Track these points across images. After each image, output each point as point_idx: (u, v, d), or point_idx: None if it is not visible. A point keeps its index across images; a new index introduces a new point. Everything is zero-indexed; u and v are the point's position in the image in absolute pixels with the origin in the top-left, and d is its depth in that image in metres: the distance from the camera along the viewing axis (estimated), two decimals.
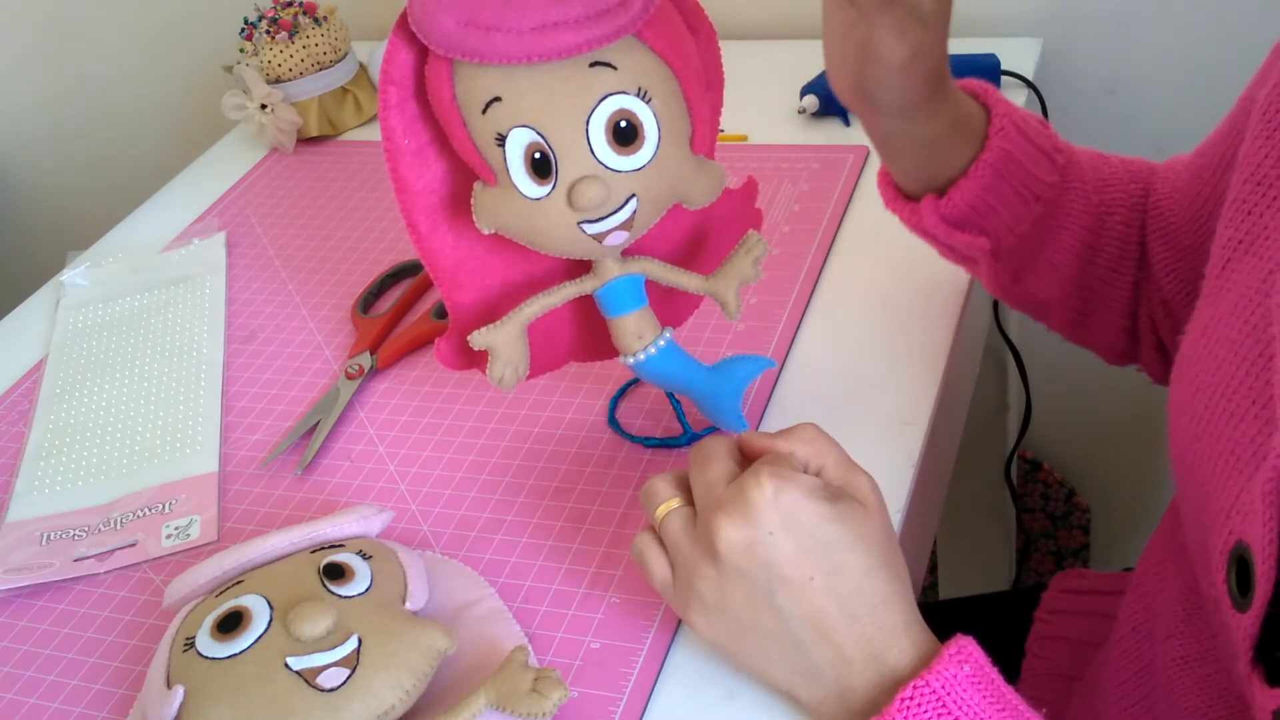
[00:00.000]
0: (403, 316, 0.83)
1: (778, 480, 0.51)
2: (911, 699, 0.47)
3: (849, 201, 0.86)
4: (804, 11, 1.10)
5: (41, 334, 0.90)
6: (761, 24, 1.11)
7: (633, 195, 0.55)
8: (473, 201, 0.56)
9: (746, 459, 0.55)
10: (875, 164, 0.89)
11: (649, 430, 0.70)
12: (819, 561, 0.50)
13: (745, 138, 0.95)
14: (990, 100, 0.62)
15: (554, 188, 0.54)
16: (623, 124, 0.54)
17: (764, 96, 0.99)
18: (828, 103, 0.95)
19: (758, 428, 0.68)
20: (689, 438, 0.68)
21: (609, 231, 0.55)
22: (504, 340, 0.59)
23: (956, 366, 0.74)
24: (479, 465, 0.70)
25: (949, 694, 0.47)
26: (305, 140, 1.08)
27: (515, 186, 0.54)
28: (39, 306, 0.93)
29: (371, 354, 0.79)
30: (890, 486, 0.63)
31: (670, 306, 0.66)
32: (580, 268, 0.61)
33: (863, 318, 0.75)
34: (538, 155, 0.53)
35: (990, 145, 0.61)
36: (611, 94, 0.53)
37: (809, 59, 1.00)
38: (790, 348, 0.74)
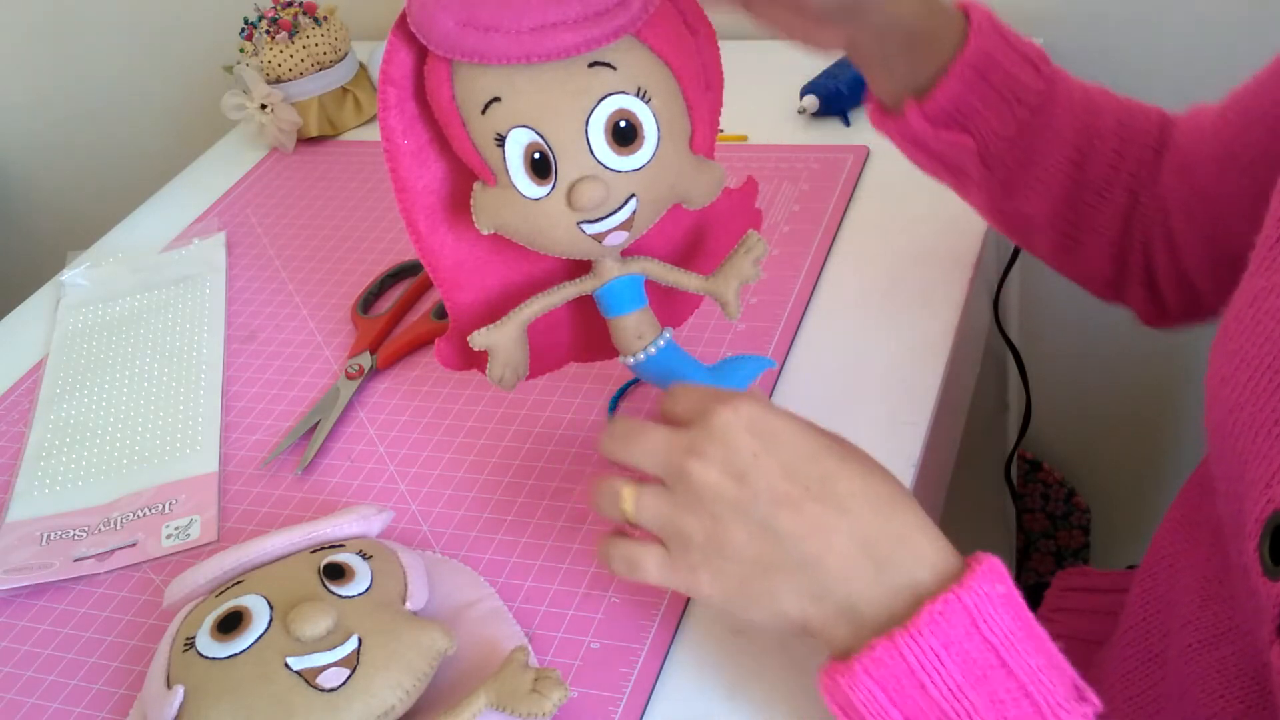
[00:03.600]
0: (403, 316, 0.83)
1: (731, 406, 0.49)
2: (943, 614, 0.44)
3: (849, 201, 0.86)
4: None
5: (41, 334, 0.90)
6: None
7: (632, 195, 0.55)
8: (472, 202, 0.56)
9: (673, 420, 0.53)
10: (875, 164, 0.89)
11: None
12: (809, 469, 0.48)
13: (745, 138, 0.95)
14: (969, 5, 0.64)
15: (553, 188, 0.54)
16: (622, 124, 0.53)
17: (764, 96, 0.99)
18: (828, 103, 0.95)
19: None
20: None
21: (609, 231, 0.55)
22: (504, 341, 0.59)
23: (956, 366, 0.74)
24: (479, 465, 0.70)
25: (979, 611, 0.44)
26: (305, 140, 1.08)
27: (515, 187, 0.54)
28: (39, 306, 0.93)
29: (371, 354, 0.79)
30: None
31: (671, 307, 0.66)
32: (580, 268, 0.61)
33: (863, 318, 0.75)
34: (537, 155, 0.53)
35: (969, 44, 0.62)
36: (611, 94, 0.53)
37: (809, 59, 1.00)
38: (790, 348, 0.74)
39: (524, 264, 0.61)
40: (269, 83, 1.04)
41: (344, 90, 1.07)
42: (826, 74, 0.97)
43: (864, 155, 0.90)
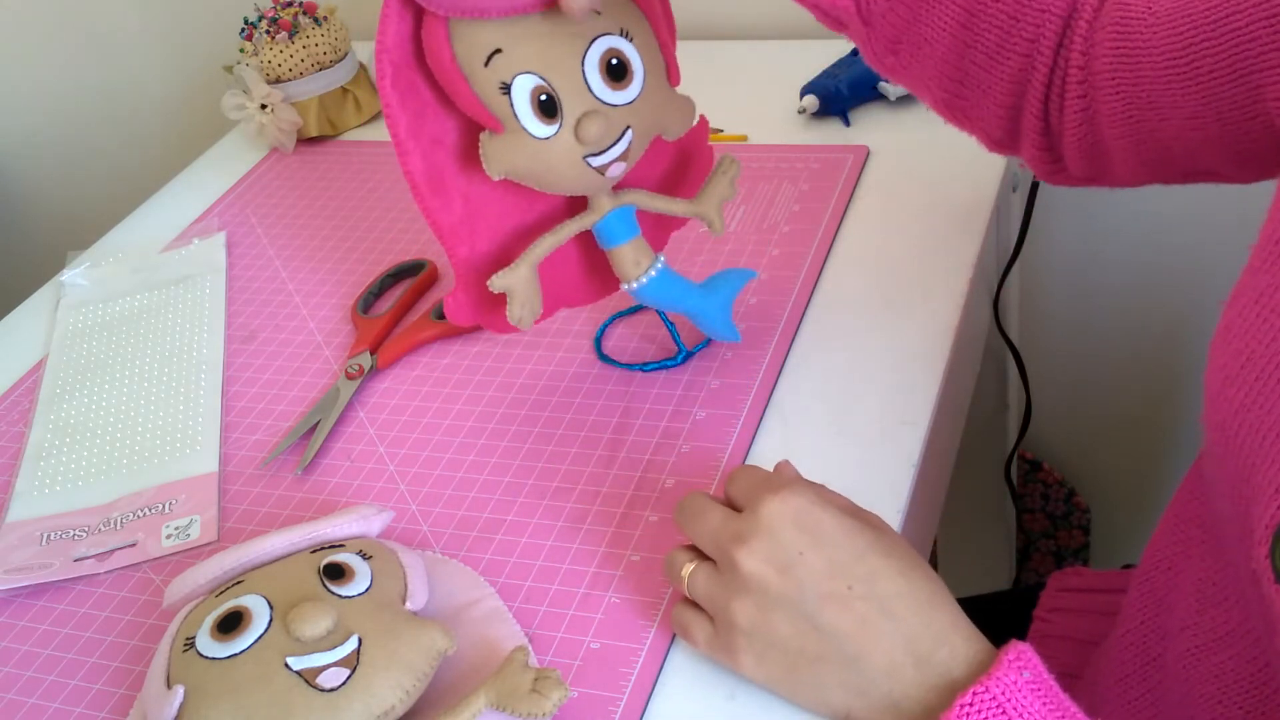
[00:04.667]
0: (403, 316, 0.83)
1: (780, 497, 0.51)
2: (971, 705, 0.46)
3: (849, 201, 0.86)
4: (804, 11, 1.10)
5: (41, 334, 0.90)
6: (761, 24, 1.11)
7: (628, 127, 0.60)
8: (481, 151, 0.59)
9: (731, 501, 0.56)
10: (875, 164, 0.89)
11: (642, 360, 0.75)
12: (853, 569, 0.50)
13: (745, 138, 0.95)
14: None
15: (560, 126, 0.58)
16: (614, 61, 0.59)
17: (764, 96, 0.99)
18: (828, 103, 0.95)
19: (758, 427, 0.68)
20: (684, 355, 0.73)
21: (610, 163, 0.60)
22: (519, 281, 0.63)
23: (956, 366, 0.74)
24: (479, 465, 0.70)
25: (1009, 700, 0.46)
26: (305, 140, 1.08)
27: (525, 129, 0.58)
28: (39, 306, 0.93)
29: (371, 354, 0.79)
30: (890, 486, 0.64)
31: (656, 234, 0.71)
32: (577, 208, 0.65)
33: (863, 318, 0.75)
34: (544, 98, 0.58)
35: None
36: (601, 35, 0.59)
37: (809, 59, 1.00)
38: (790, 348, 0.74)
39: (528, 210, 0.65)
40: (269, 83, 1.04)
41: (344, 90, 1.07)
42: (826, 74, 0.97)
43: (864, 155, 0.90)
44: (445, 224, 0.62)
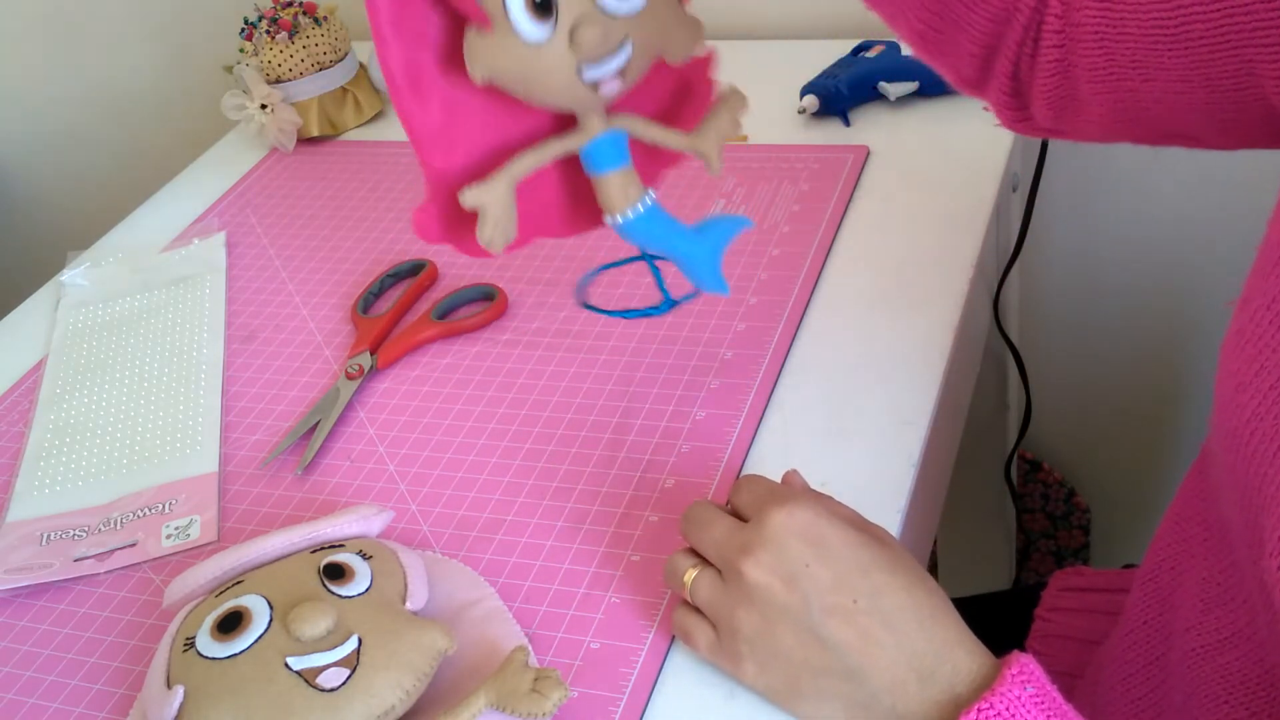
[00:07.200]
0: (403, 316, 0.83)
1: (786, 509, 0.51)
2: None
3: (849, 201, 0.86)
4: (804, 11, 1.10)
5: (41, 334, 0.90)
6: (761, 24, 1.12)
7: (628, 38, 0.55)
8: (465, 49, 0.55)
9: (737, 511, 0.56)
10: (875, 164, 0.89)
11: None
12: (858, 583, 0.50)
13: (745, 138, 0.95)
14: None
15: (554, 29, 0.53)
16: None
17: (764, 96, 0.99)
18: (828, 103, 0.95)
19: (758, 427, 0.68)
20: (668, 304, 0.68)
21: (606, 79, 0.55)
22: (493, 199, 0.58)
23: (956, 366, 0.74)
24: (478, 465, 0.70)
25: (1013, 716, 0.46)
26: (305, 140, 1.08)
27: (515, 29, 0.53)
28: (39, 306, 0.94)
29: (371, 354, 0.79)
30: (890, 486, 0.64)
31: (646, 168, 0.65)
32: (566, 127, 0.60)
33: (863, 318, 0.75)
34: None
35: None
36: None
37: (809, 59, 1.00)
38: (790, 347, 0.74)
39: (512, 125, 0.60)
40: (269, 83, 1.04)
41: (344, 90, 1.07)
42: (826, 74, 0.97)
43: (864, 155, 0.90)
44: (422, 129, 0.57)
